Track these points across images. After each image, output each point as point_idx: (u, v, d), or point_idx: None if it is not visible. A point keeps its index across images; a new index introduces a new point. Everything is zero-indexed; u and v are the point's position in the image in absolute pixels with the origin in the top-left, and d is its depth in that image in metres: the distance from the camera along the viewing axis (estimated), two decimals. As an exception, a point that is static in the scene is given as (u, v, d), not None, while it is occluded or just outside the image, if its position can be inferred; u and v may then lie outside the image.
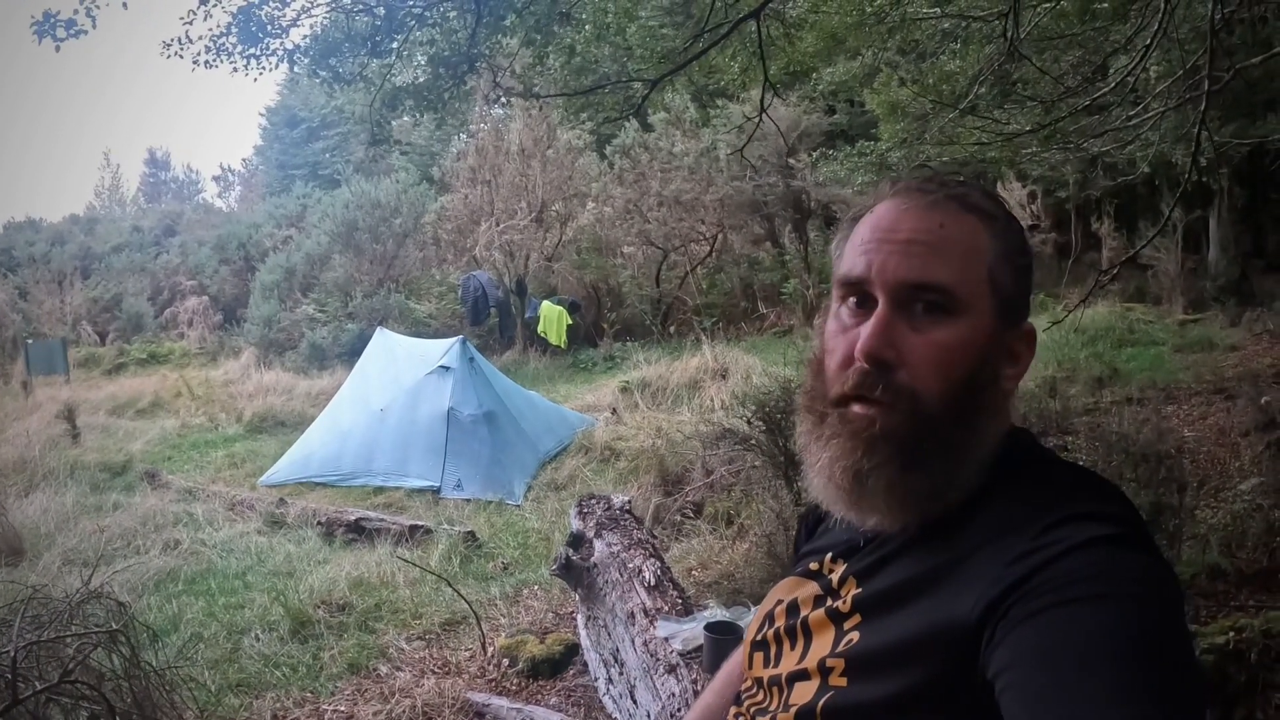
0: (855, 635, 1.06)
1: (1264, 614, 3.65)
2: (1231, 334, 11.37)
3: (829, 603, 1.14)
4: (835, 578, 1.16)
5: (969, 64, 8.32)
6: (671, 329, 17.43)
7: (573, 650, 4.74)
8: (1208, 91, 4.94)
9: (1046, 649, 0.85)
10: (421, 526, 7.32)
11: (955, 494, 1.04)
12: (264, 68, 6.79)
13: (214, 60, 6.67)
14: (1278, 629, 3.36)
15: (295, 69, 7.05)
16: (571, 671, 4.61)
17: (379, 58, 6.90)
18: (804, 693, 1.09)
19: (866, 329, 1.04)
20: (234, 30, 6.53)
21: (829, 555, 1.21)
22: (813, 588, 1.20)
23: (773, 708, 1.15)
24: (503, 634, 5.15)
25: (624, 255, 19.01)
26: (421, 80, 7.44)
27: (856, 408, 1.05)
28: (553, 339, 16.73)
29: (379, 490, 8.86)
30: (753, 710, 1.21)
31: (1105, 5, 7.22)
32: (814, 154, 16.96)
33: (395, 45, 6.81)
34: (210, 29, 6.70)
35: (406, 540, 7.08)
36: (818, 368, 1.13)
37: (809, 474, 1.12)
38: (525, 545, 7.14)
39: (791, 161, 17.50)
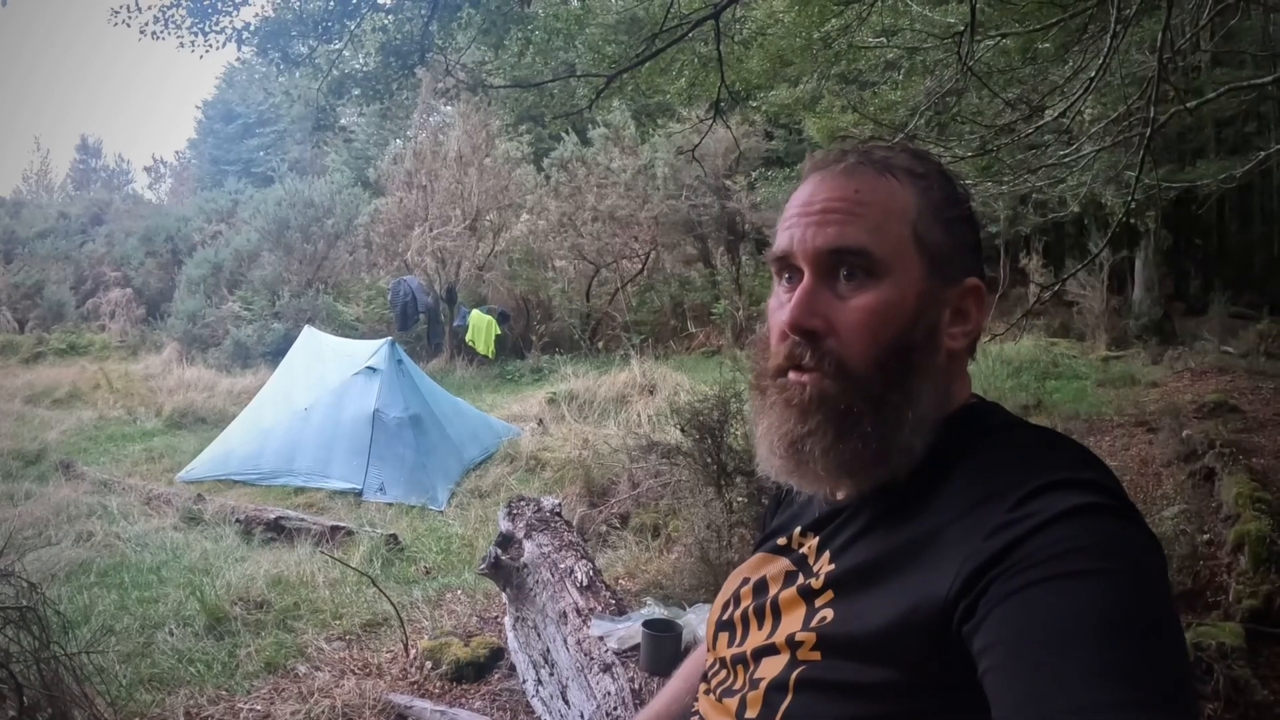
0: (829, 613, 1.04)
1: (1193, 628, 3.73)
2: (1153, 371, 11.60)
3: (801, 579, 1.12)
4: (809, 552, 1.15)
5: (910, 94, 8.45)
6: (600, 344, 17.39)
7: (498, 654, 4.67)
8: (1152, 128, 5.04)
9: (1029, 629, 0.82)
10: (343, 528, 7.18)
11: (900, 458, 1.04)
12: (211, 45, 6.64)
13: (161, 32, 6.49)
14: (1205, 644, 3.44)
15: (243, 49, 6.90)
16: (496, 675, 4.53)
17: (329, 42, 6.80)
18: (773, 666, 1.07)
19: (793, 301, 1.06)
20: (184, 2, 6.38)
21: (798, 529, 1.20)
22: (782, 564, 1.18)
23: (739, 686, 1.13)
24: (425, 637, 5.06)
25: (555, 268, 18.98)
26: (371, 68, 7.34)
27: (791, 375, 1.07)
28: (480, 348, 16.63)
29: (300, 490, 8.67)
30: (719, 690, 1.18)
31: (1047, 45, 7.36)
32: (754, 174, 17.11)
33: (348, 29, 6.71)
34: (160, -1, 6.49)
35: (327, 541, 6.93)
36: (764, 346, 1.15)
37: (756, 446, 1.14)
38: (448, 550, 7.04)
39: (728, 183, 17.63)
